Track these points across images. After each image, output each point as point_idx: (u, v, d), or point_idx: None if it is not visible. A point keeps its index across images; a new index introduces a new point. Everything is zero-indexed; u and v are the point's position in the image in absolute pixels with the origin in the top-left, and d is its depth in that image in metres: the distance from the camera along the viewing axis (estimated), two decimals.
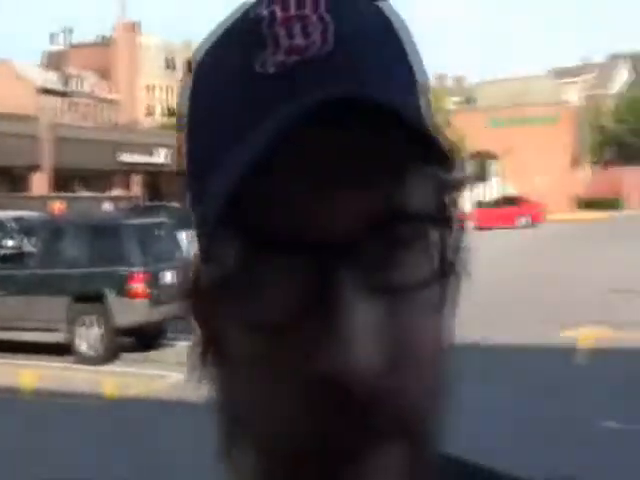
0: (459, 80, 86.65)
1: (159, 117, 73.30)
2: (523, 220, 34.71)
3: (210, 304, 0.42)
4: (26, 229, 11.89)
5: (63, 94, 67.93)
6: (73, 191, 35.62)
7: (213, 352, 0.45)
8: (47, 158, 34.16)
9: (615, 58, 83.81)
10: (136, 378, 8.82)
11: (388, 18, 0.44)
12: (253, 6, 0.42)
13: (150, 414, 7.41)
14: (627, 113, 57.48)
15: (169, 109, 75.84)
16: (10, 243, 11.40)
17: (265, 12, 0.41)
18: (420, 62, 0.44)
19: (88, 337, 9.72)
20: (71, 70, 70.70)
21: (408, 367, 0.40)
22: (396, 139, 0.38)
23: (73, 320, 9.74)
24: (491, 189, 44.34)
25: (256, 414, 0.41)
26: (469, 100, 61.82)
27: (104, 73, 76.01)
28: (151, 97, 78.50)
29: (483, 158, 45.39)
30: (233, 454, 0.44)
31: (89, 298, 9.75)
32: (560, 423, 6.58)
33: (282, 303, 0.39)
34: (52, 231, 10.60)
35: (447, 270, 0.42)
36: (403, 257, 0.40)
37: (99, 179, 38.53)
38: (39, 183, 33.91)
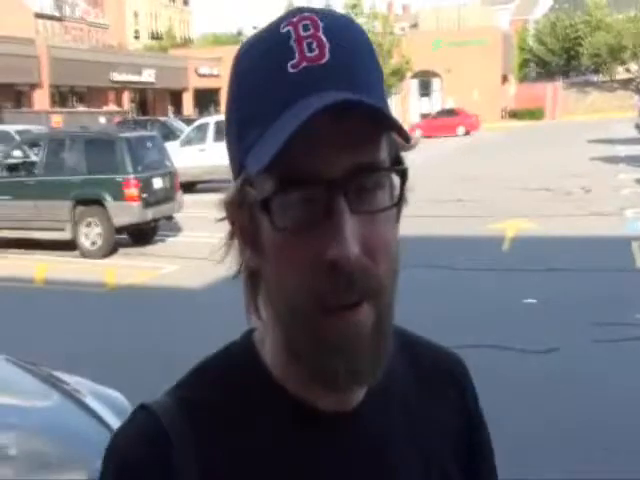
0: (405, 8, 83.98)
1: (145, 40, 70.32)
2: (461, 129, 34.51)
3: (251, 215, 0.58)
4: (31, 141, 11.42)
5: (58, 19, 64.49)
6: (71, 106, 34.39)
7: (249, 244, 0.60)
8: (46, 77, 32.71)
9: None
10: (132, 270, 8.74)
11: (365, 38, 0.59)
12: (279, 24, 0.57)
13: (145, 300, 7.38)
14: (547, 35, 56.65)
15: (153, 33, 72.77)
16: (17, 153, 10.95)
17: (286, 30, 0.56)
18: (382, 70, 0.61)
19: (90, 235, 9.57)
20: None
21: (377, 255, 0.56)
22: (369, 122, 0.54)
23: (77, 221, 9.56)
24: (434, 103, 43.89)
25: (283, 285, 0.57)
26: (414, 25, 60.18)
27: (94, 0, 72.02)
28: (137, 22, 74.96)
29: (427, 76, 44.67)
30: (259, 310, 0.62)
31: (90, 202, 9.55)
32: (491, 299, 6.70)
33: (302, 215, 0.55)
34: (54, 142, 10.24)
35: (401, 199, 0.59)
36: (375, 191, 0.57)
37: (94, 96, 37.18)
38: (40, 99, 32.58)
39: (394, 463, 0.65)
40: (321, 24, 0.56)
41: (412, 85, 44.82)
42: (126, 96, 38.35)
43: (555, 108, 45.78)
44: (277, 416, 0.62)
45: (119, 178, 9.46)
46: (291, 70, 0.55)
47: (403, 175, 0.59)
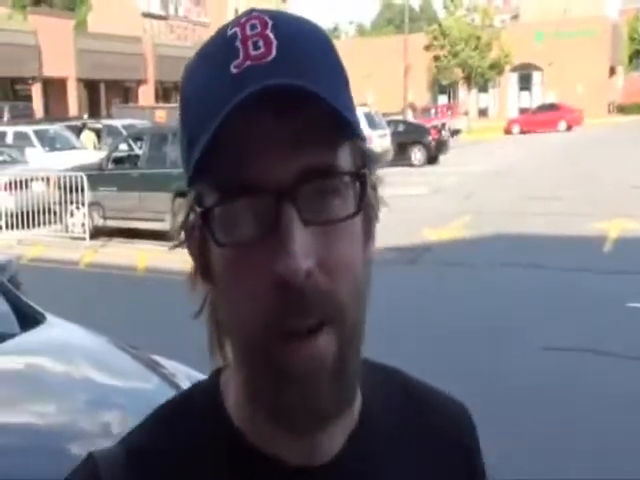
0: None
1: None
2: (562, 124, 33.16)
3: (200, 235, 0.52)
4: (135, 135, 11.96)
5: (163, 18, 67.05)
6: (174, 102, 35.69)
7: (202, 274, 0.54)
8: (151, 73, 34.13)
9: None
10: None
11: (324, 39, 0.53)
12: (227, 28, 0.52)
13: None
14: None
15: None
16: (123, 147, 11.51)
17: (232, 31, 0.51)
18: (345, 69, 0.54)
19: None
20: None
21: (336, 273, 0.50)
22: (322, 121, 0.48)
23: (176, 212, 9.88)
24: (534, 97, 42.43)
25: (233, 311, 0.51)
26: (515, 17, 58.32)
27: None
28: None
29: (527, 69, 43.21)
30: (221, 347, 0.57)
31: None
32: (591, 302, 6.43)
33: (247, 228, 0.49)
34: (157, 136, 10.67)
35: (362, 208, 0.51)
36: (329, 200, 0.50)
37: None
38: (145, 95, 34.06)
39: None
40: (270, 22, 0.51)
41: (511, 79, 43.47)
42: None
43: None
44: (236, 470, 0.56)
45: None
46: (234, 70, 0.49)
47: (361, 181, 0.51)
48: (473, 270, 7.84)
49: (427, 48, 37.33)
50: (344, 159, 0.51)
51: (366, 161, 0.53)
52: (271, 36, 0.50)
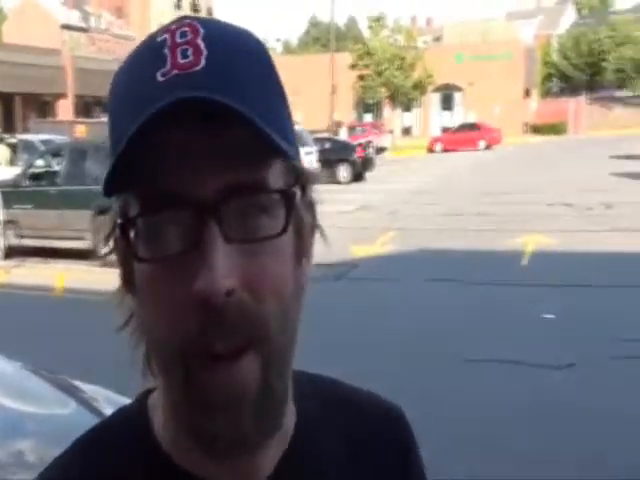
0: (429, 21, 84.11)
1: None
2: (482, 143, 34.43)
3: (123, 247, 0.50)
4: (53, 150, 11.62)
5: (83, 30, 65.53)
6: (96, 117, 34.88)
7: (127, 288, 0.53)
8: (71, 87, 33.25)
9: (564, 2, 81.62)
10: None
11: (260, 51, 0.51)
12: (157, 34, 0.50)
13: None
14: (570, 50, 56.45)
15: None
16: (40, 163, 11.15)
17: (162, 38, 0.49)
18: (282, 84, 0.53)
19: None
20: (90, 8, 67.93)
21: (262, 293, 0.48)
22: (247, 138, 0.46)
23: (97, 230, 9.66)
24: (455, 117, 43.85)
25: (153, 329, 0.49)
26: (437, 39, 60.26)
27: (119, 12, 73.20)
28: None
29: (449, 90, 44.65)
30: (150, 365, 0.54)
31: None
32: (508, 314, 6.67)
33: (168, 242, 0.47)
34: (76, 152, 10.39)
35: (288, 226, 0.49)
36: (256, 217, 0.48)
37: None
38: (64, 109, 33.13)
39: None
40: (202, 31, 0.49)
41: (434, 99, 44.78)
42: None
43: (578, 123, 45.47)
44: None
45: None
46: (160, 78, 0.47)
47: (288, 199, 0.49)
48: (398, 285, 8.00)
49: (352, 67, 38.00)
50: (274, 177, 0.49)
51: (300, 180, 0.51)
52: (201, 45, 0.48)
